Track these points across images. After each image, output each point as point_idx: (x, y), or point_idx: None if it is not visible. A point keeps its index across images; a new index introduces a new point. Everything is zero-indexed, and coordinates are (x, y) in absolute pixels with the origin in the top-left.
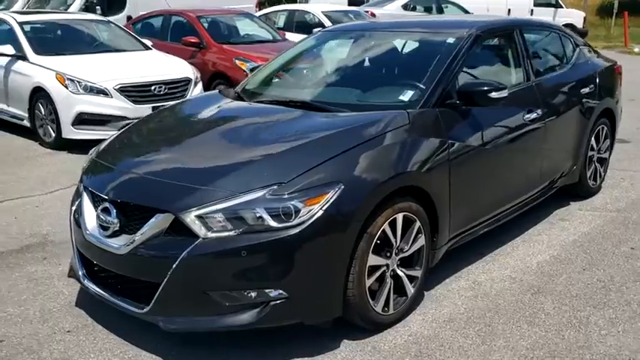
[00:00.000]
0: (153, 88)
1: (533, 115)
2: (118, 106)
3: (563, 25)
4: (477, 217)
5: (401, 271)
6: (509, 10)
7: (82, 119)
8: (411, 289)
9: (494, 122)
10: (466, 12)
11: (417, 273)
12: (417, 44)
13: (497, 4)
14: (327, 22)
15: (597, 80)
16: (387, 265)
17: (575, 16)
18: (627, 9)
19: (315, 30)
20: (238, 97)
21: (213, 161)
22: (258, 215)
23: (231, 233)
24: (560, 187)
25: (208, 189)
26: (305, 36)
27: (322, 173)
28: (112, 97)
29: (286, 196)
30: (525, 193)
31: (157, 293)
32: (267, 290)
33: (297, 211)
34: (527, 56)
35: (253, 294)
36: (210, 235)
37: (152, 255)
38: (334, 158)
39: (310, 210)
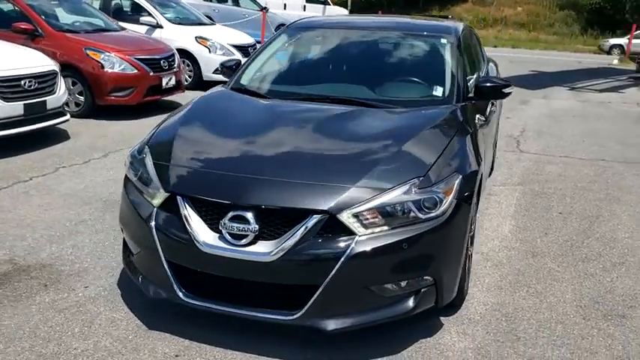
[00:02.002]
0: (23, 82)
1: (493, 107)
2: None
3: None
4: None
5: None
6: (285, 4)
7: None
8: (470, 265)
9: (487, 114)
10: (260, 5)
11: (471, 250)
12: (414, 44)
13: None
14: (150, 9)
15: (499, 75)
16: None
17: (342, 13)
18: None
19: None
20: (254, 94)
21: (337, 159)
22: (407, 208)
23: (385, 228)
24: None
25: (359, 187)
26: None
27: (444, 166)
28: None
29: (429, 189)
30: (485, 173)
31: (316, 295)
32: (419, 278)
33: (441, 201)
34: (477, 55)
35: (406, 283)
36: (366, 231)
37: (311, 257)
38: (444, 152)
39: (448, 199)
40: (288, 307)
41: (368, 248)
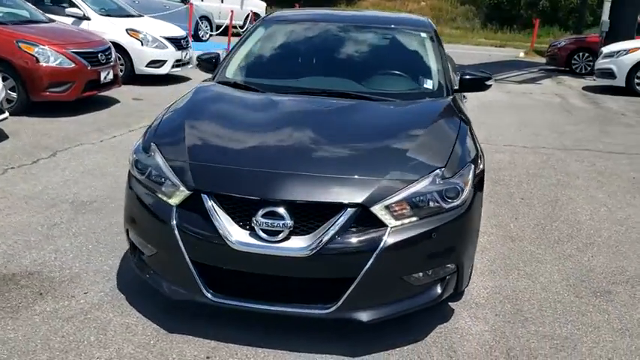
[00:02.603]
0: None
1: (465, 99)
2: None
3: (250, 12)
4: None
5: None
6: None
7: None
8: None
9: (465, 104)
10: None
11: None
12: (396, 38)
13: None
14: (76, 0)
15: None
16: None
17: (258, 5)
18: None
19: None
20: (245, 88)
21: (360, 152)
22: (432, 199)
23: (414, 219)
24: None
25: (389, 180)
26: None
27: (459, 156)
28: None
29: (449, 179)
30: None
31: (351, 288)
32: (444, 266)
33: (462, 190)
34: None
35: (433, 271)
36: (397, 223)
37: (347, 250)
38: (456, 142)
39: (467, 188)
40: (322, 301)
41: (400, 239)
